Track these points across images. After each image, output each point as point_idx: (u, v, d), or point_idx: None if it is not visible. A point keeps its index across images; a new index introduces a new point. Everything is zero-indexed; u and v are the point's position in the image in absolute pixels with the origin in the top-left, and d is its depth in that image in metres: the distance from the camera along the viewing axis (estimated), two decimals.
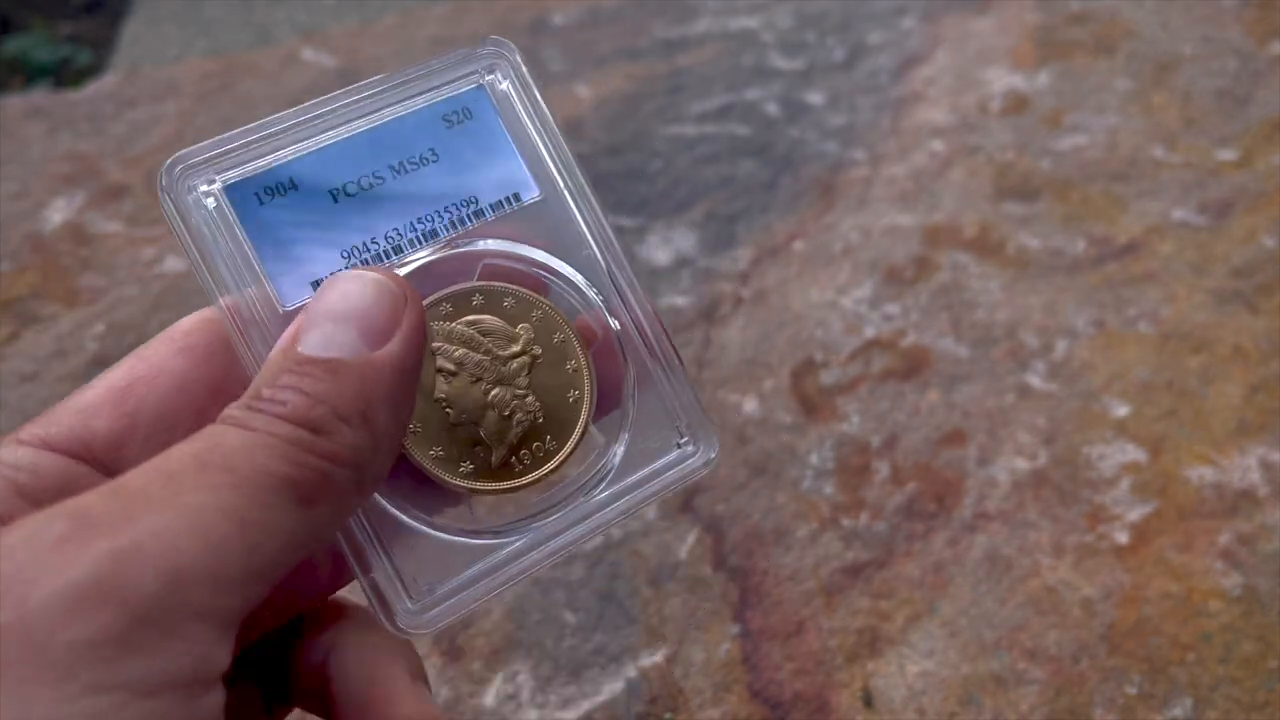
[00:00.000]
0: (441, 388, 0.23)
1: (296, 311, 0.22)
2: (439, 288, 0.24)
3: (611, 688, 0.45)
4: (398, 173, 0.24)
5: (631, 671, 0.46)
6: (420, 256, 0.24)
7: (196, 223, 0.22)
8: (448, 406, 0.23)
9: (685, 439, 0.26)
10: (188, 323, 0.23)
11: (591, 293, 0.25)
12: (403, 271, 0.23)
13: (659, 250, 0.68)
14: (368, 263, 0.23)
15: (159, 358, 0.22)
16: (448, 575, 0.23)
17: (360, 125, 0.24)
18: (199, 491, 0.17)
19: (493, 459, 0.23)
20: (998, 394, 0.56)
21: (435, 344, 0.23)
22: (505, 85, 0.25)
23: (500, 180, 0.25)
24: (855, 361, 0.59)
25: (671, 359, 0.25)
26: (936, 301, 0.62)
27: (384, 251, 0.24)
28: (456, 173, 0.24)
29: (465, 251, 0.24)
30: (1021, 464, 0.53)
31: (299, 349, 0.20)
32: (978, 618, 0.47)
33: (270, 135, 0.23)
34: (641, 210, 0.71)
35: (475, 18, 0.96)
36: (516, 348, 0.24)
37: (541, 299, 0.24)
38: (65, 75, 1.18)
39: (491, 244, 0.24)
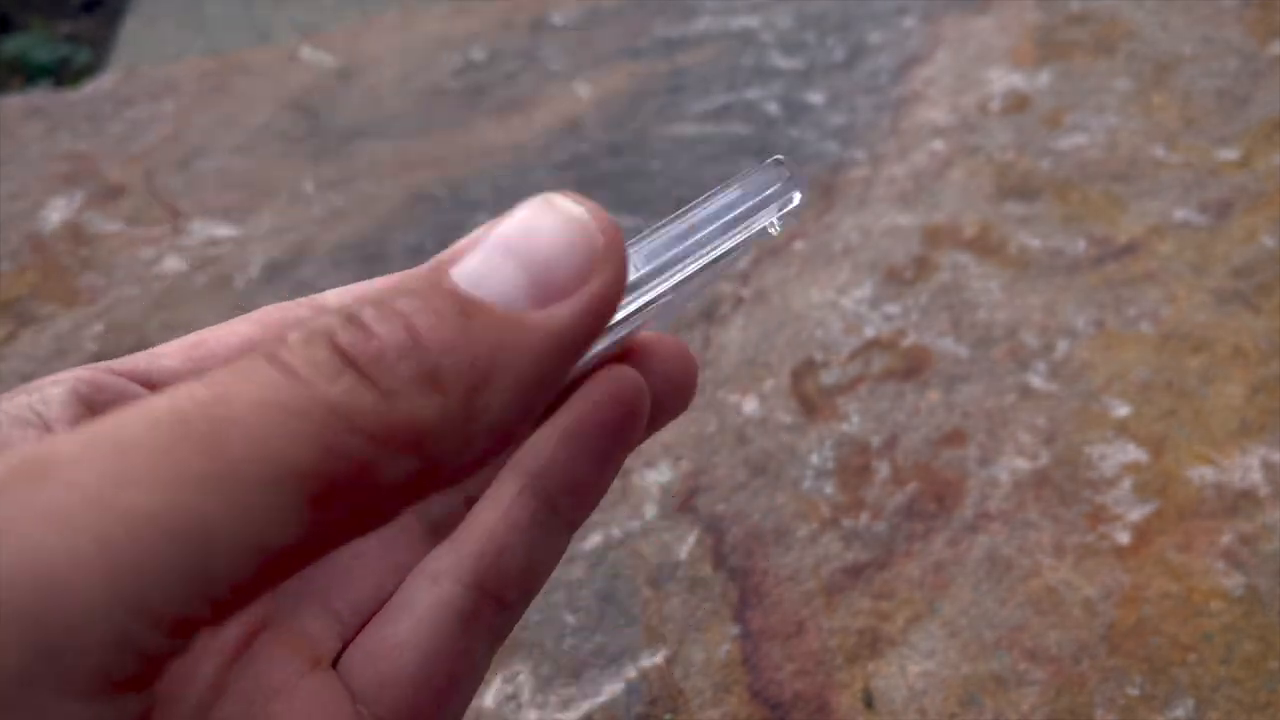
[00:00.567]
0: None
1: None
2: None
3: (611, 688, 0.45)
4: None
5: (631, 672, 0.46)
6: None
7: None
8: None
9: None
10: (259, 312, 0.21)
11: None
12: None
13: None
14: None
15: (232, 325, 0.21)
16: None
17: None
18: (150, 486, 0.12)
19: None
20: (998, 394, 0.56)
21: None
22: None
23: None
24: (855, 361, 0.59)
25: None
26: (936, 301, 0.62)
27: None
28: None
29: None
30: (1022, 464, 0.53)
31: (450, 272, 0.15)
32: (978, 618, 0.47)
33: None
34: (641, 209, 0.71)
35: (475, 18, 0.96)
36: None
37: None
38: (64, 75, 1.18)
39: None
